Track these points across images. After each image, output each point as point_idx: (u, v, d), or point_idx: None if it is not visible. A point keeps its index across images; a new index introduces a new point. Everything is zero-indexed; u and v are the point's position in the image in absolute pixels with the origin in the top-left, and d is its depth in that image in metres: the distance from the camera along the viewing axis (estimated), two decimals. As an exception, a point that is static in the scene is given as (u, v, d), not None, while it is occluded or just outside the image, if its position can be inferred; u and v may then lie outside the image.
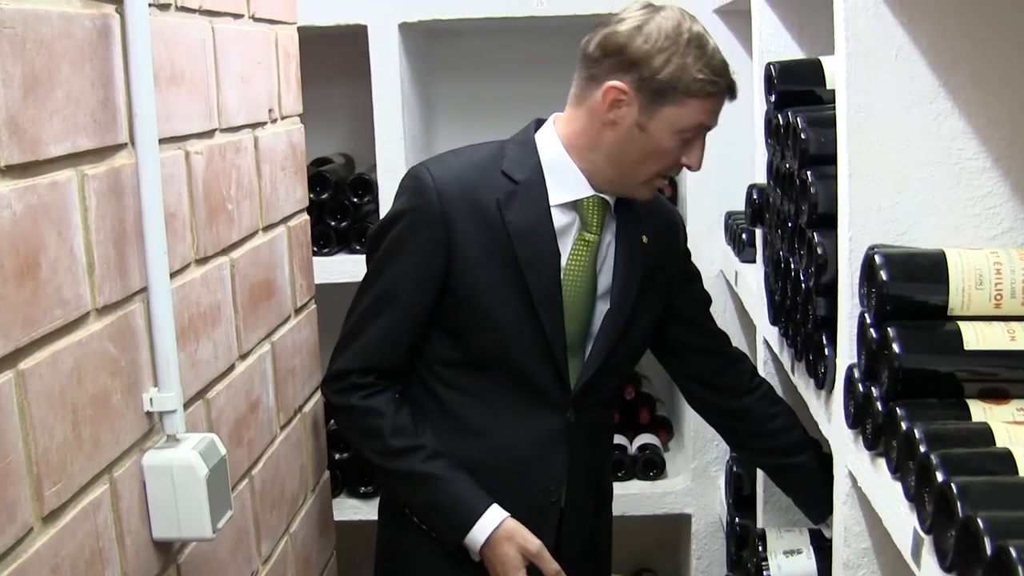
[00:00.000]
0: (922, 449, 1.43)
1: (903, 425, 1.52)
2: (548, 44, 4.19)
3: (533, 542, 2.15)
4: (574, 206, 2.20)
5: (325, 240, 3.80)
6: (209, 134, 1.78)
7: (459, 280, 2.14)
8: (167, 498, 1.52)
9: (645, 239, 2.28)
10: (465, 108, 4.24)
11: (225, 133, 1.85)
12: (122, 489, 1.46)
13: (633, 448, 3.85)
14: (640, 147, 2.13)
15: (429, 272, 2.14)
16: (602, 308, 2.25)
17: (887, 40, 1.76)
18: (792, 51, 2.70)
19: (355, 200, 3.77)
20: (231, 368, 1.85)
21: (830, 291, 1.91)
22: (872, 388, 1.67)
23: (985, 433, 1.45)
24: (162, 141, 1.57)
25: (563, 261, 2.18)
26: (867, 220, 1.80)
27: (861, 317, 1.73)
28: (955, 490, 1.27)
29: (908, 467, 1.49)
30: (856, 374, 1.75)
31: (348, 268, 3.75)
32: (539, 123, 2.27)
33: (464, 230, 2.12)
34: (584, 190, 2.19)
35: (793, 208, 2.10)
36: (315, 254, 3.82)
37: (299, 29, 3.82)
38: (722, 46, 3.57)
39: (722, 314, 3.68)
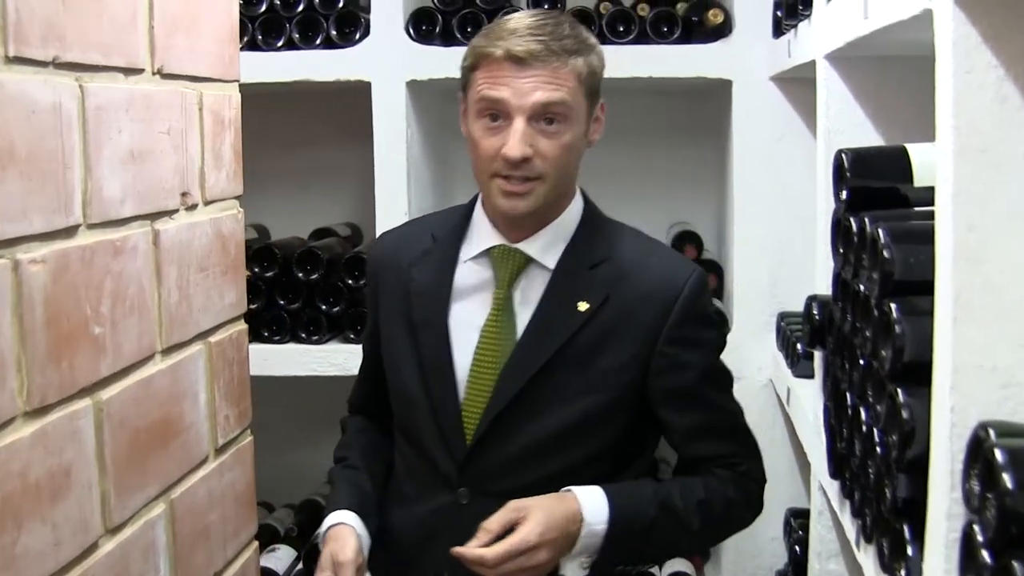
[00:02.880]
0: None
1: None
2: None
3: (344, 552, 1.98)
4: (488, 259, 2.09)
5: (315, 326, 3.34)
6: (63, 234, 1.29)
7: (381, 341, 2.18)
8: None
9: (584, 306, 2.04)
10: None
11: (96, 230, 1.36)
12: None
13: None
14: (472, 150, 2.03)
15: (371, 328, 2.23)
16: None
17: (1013, 131, 1.25)
18: (865, 131, 2.21)
19: (350, 282, 3.30)
20: (89, 551, 1.35)
21: (918, 470, 1.39)
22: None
23: None
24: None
25: (481, 321, 2.07)
26: (976, 382, 1.28)
27: (967, 530, 1.20)
28: None
29: None
30: (960, 603, 1.23)
31: (341, 360, 3.29)
32: None
33: (384, 292, 2.17)
34: (492, 239, 2.08)
35: (869, 346, 1.58)
36: (303, 342, 3.39)
37: (298, 85, 3.38)
38: (781, 120, 3.14)
39: (769, 432, 3.16)
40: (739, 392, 3.21)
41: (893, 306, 1.45)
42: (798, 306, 2.95)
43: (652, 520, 2.01)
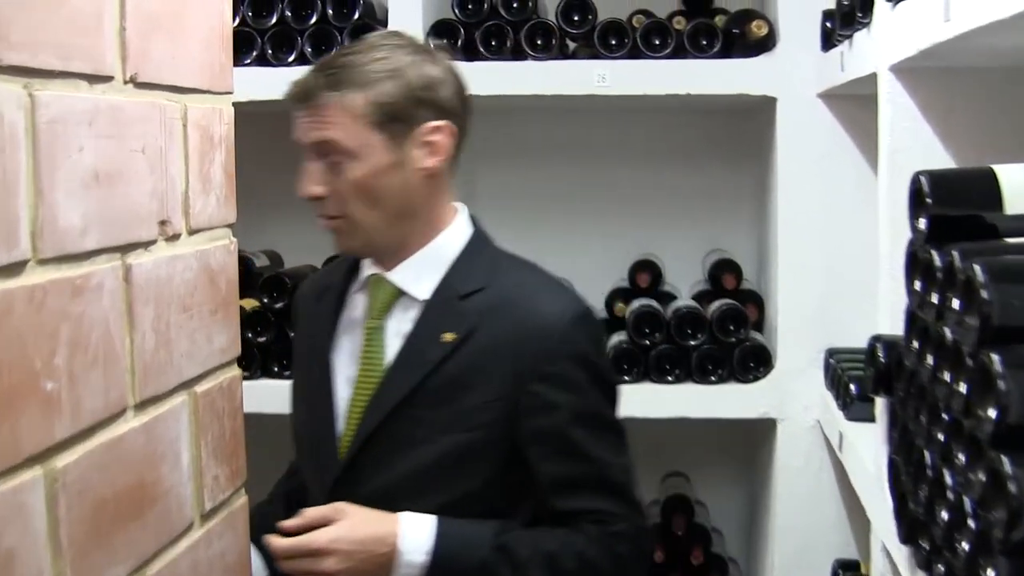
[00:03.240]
0: None
1: None
2: (610, 127, 3.54)
3: None
4: (368, 289, 2.07)
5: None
6: (5, 272, 1.08)
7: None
8: None
9: (449, 336, 1.96)
10: (512, 200, 3.56)
11: (49, 266, 1.15)
12: None
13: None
14: None
15: None
16: None
17: None
18: (932, 151, 2.00)
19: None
20: (37, 649, 1.13)
21: (1028, 555, 1.16)
22: None
23: None
24: None
25: (359, 352, 2.05)
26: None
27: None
28: None
29: None
30: None
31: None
32: None
33: (298, 329, 2.24)
34: (370, 269, 2.07)
35: (959, 401, 1.35)
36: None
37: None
38: (829, 141, 2.91)
39: (816, 477, 2.93)
40: (783, 433, 3.02)
41: (995, 357, 1.22)
42: (849, 341, 2.75)
43: (482, 562, 1.89)
